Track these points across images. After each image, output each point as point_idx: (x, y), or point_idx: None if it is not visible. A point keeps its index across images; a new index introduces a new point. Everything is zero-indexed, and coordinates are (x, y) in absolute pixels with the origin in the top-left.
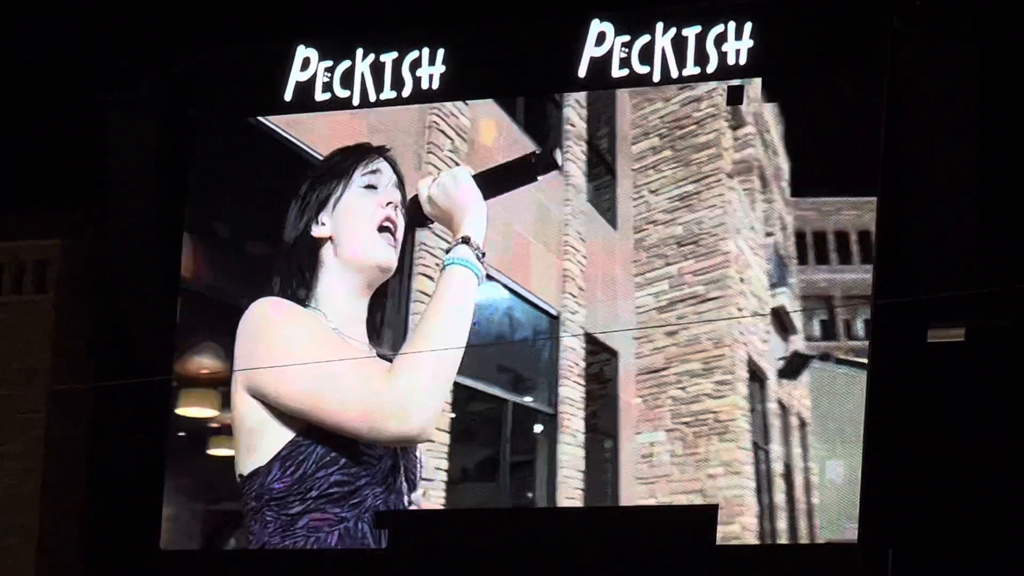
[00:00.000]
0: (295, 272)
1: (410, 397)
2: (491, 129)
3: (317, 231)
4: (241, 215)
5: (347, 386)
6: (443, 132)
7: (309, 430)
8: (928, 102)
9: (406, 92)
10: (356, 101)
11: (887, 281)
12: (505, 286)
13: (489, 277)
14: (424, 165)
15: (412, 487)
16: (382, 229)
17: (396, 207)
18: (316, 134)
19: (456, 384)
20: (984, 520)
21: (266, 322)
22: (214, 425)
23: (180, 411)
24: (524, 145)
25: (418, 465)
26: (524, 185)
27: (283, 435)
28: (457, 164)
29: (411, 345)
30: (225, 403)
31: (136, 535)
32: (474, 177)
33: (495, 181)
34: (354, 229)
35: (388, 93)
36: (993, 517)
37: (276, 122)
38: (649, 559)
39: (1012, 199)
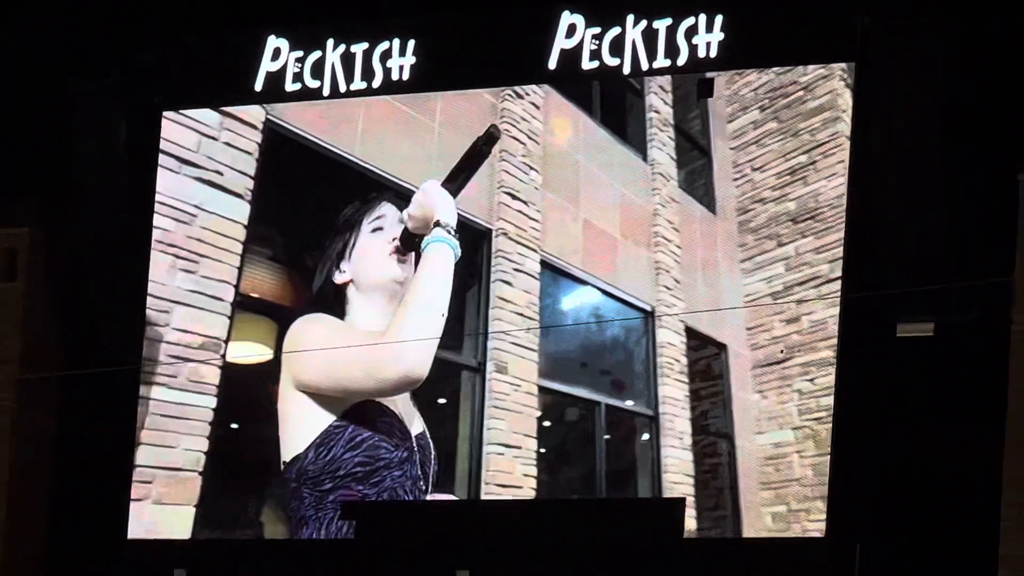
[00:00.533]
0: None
1: (399, 346)
2: (565, 128)
3: (339, 278)
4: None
5: (354, 357)
6: (515, 139)
7: (338, 421)
8: (896, 96)
9: (376, 83)
10: (326, 91)
11: (856, 275)
12: (593, 285)
13: (575, 278)
14: (498, 174)
15: (427, 482)
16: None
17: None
18: (394, 163)
19: (541, 388)
20: (952, 513)
21: (299, 332)
22: None
23: None
24: (601, 138)
25: (432, 463)
26: (481, 163)
27: (318, 426)
28: (532, 169)
29: (400, 308)
30: None
31: (102, 524)
32: (442, 184)
33: (457, 175)
34: (368, 268)
35: (359, 84)
36: (960, 510)
37: (347, 150)
38: (617, 551)
39: (980, 195)
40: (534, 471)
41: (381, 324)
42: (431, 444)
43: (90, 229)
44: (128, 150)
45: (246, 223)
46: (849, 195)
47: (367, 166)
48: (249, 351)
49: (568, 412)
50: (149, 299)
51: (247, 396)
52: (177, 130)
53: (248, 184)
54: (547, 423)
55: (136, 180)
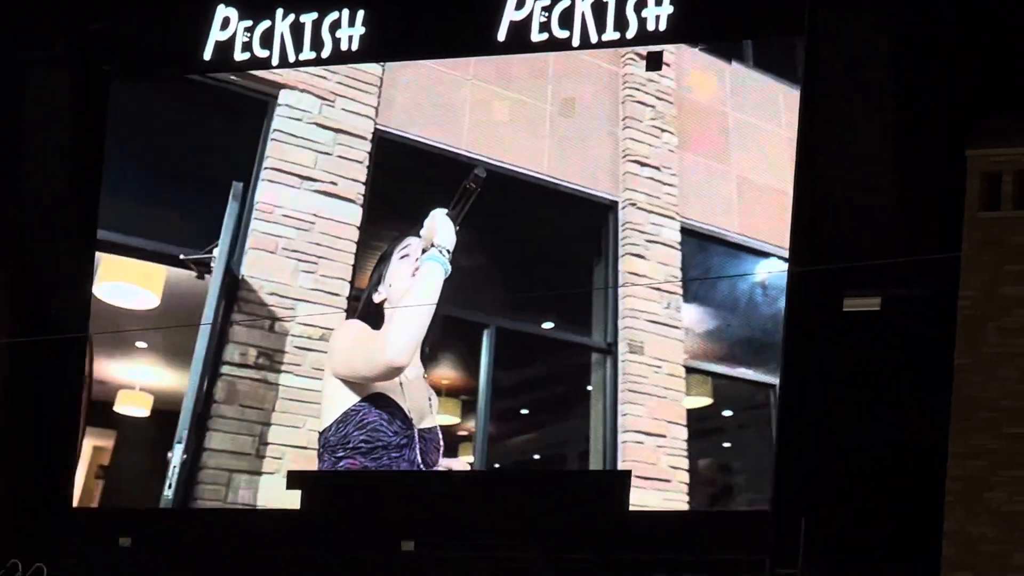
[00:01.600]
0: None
1: (385, 338)
2: (708, 82)
3: (376, 298)
4: None
5: (361, 350)
6: (641, 103)
7: (355, 405)
8: (845, 71)
9: (325, 53)
10: (275, 61)
11: (803, 249)
12: (754, 251)
13: (731, 244)
14: (622, 143)
15: (428, 461)
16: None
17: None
18: (507, 151)
19: (690, 370)
20: (897, 488)
21: (337, 332)
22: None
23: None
24: (756, 83)
25: (438, 454)
26: (472, 198)
27: (341, 407)
28: (665, 131)
29: (394, 312)
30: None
31: (49, 493)
32: (447, 212)
33: (455, 206)
34: (395, 287)
35: (307, 54)
36: (906, 485)
37: (454, 145)
38: (563, 524)
39: (928, 170)
40: (684, 462)
41: None
42: (440, 439)
43: (39, 197)
44: (77, 119)
45: (359, 225)
46: (797, 170)
47: (478, 158)
48: None
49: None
50: (274, 298)
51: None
52: (294, 151)
53: (360, 190)
54: (702, 408)
55: (85, 149)
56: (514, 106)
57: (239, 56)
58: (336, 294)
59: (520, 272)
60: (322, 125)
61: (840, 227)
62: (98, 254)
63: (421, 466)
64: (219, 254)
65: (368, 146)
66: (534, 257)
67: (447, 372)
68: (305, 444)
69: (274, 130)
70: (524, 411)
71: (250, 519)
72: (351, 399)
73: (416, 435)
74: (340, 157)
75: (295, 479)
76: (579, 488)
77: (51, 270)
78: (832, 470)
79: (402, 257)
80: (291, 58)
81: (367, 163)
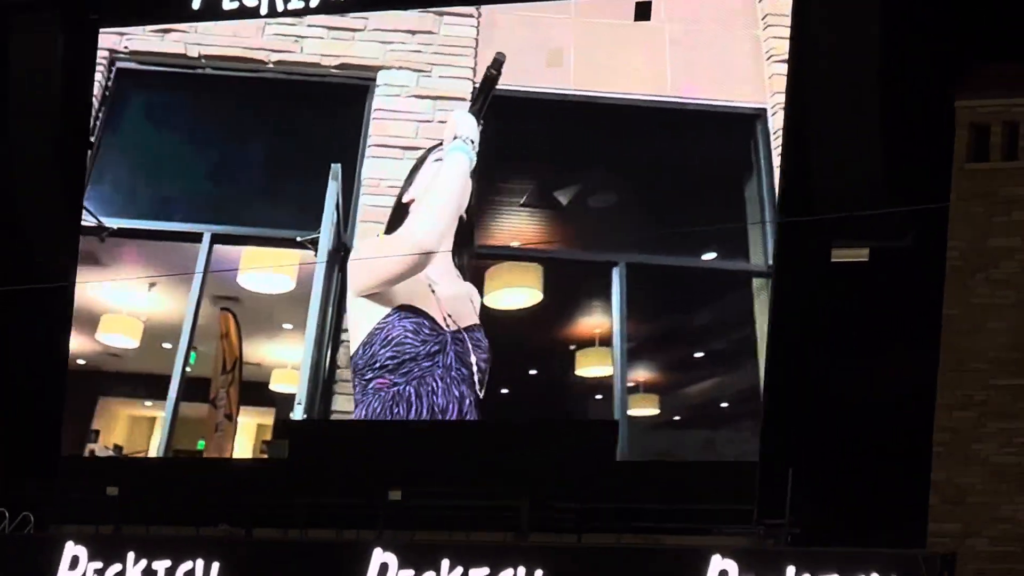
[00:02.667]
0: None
1: (412, 223)
2: None
3: (406, 198)
4: None
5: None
6: None
7: (378, 323)
8: (834, 21)
9: (314, 2)
10: (264, 11)
11: (792, 200)
12: None
13: None
14: (765, 43)
15: (470, 370)
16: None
17: None
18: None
19: None
20: (885, 438)
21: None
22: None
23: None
24: None
25: (479, 352)
26: (494, 86)
27: (366, 328)
28: None
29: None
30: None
31: (36, 440)
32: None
33: (477, 98)
34: (422, 183)
35: (296, 3)
36: (894, 435)
37: (562, 87)
38: (552, 472)
39: (916, 121)
40: None
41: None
42: (482, 338)
43: (25, 146)
44: (65, 68)
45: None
46: (786, 120)
47: (589, 94)
48: (512, 296)
49: None
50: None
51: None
52: (396, 125)
53: None
54: None
55: (73, 98)
56: (625, 32)
57: (228, 5)
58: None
59: (663, 205)
60: (420, 96)
61: (829, 178)
62: (242, 248)
63: (460, 369)
64: (322, 231)
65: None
66: (678, 187)
67: (600, 320)
68: None
69: (375, 109)
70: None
71: (237, 468)
72: (375, 317)
73: (450, 339)
74: (440, 122)
75: (282, 428)
76: (567, 437)
77: (38, 219)
78: (819, 421)
79: (435, 160)
80: (280, 7)
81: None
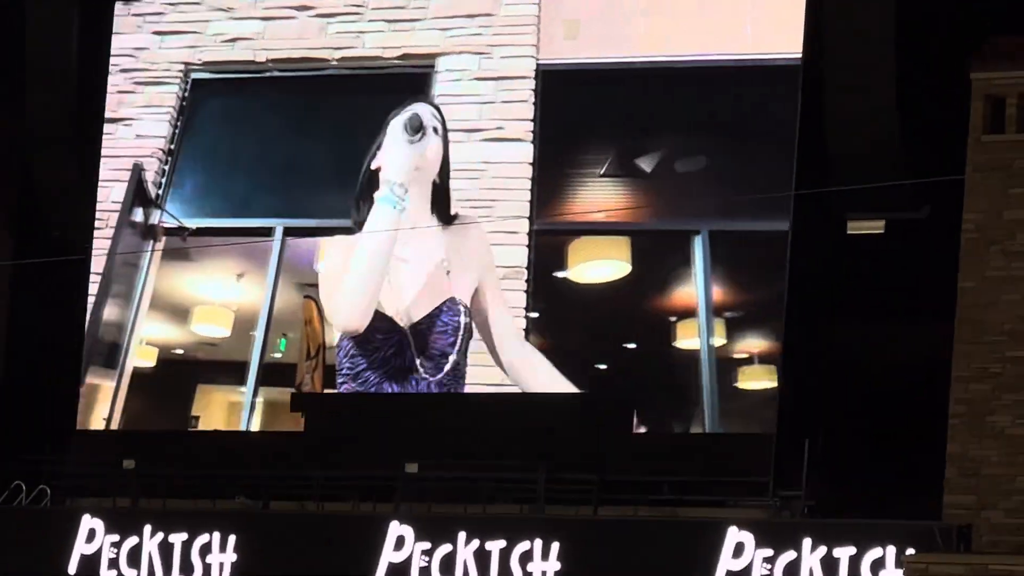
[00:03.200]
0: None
1: (335, 307)
2: None
3: (374, 165)
4: None
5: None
6: None
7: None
8: None
9: None
10: None
11: (807, 172)
12: None
13: None
14: None
15: (433, 351)
16: None
17: None
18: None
19: None
20: (901, 410)
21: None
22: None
23: None
24: None
25: (444, 332)
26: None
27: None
28: None
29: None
30: None
31: (52, 414)
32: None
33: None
34: (389, 162)
35: None
36: (910, 408)
37: (630, 56)
38: (569, 446)
39: (932, 93)
40: None
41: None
42: (451, 319)
43: (41, 118)
44: (81, 39)
45: (531, 161)
46: (802, 94)
47: (660, 59)
48: (597, 269)
49: None
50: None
51: None
52: (458, 109)
53: (528, 127)
54: None
55: (88, 70)
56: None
57: None
58: (514, 232)
59: (747, 167)
60: (481, 78)
61: (845, 150)
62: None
63: (418, 361)
64: None
65: (531, 84)
66: (763, 146)
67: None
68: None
69: (437, 96)
70: None
71: (253, 441)
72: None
73: (408, 335)
74: (504, 103)
75: (298, 401)
76: (584, 410)
77: (54, 193)
78: (835, 394)
79: (411, 141)
80: None
81: (533, 100)
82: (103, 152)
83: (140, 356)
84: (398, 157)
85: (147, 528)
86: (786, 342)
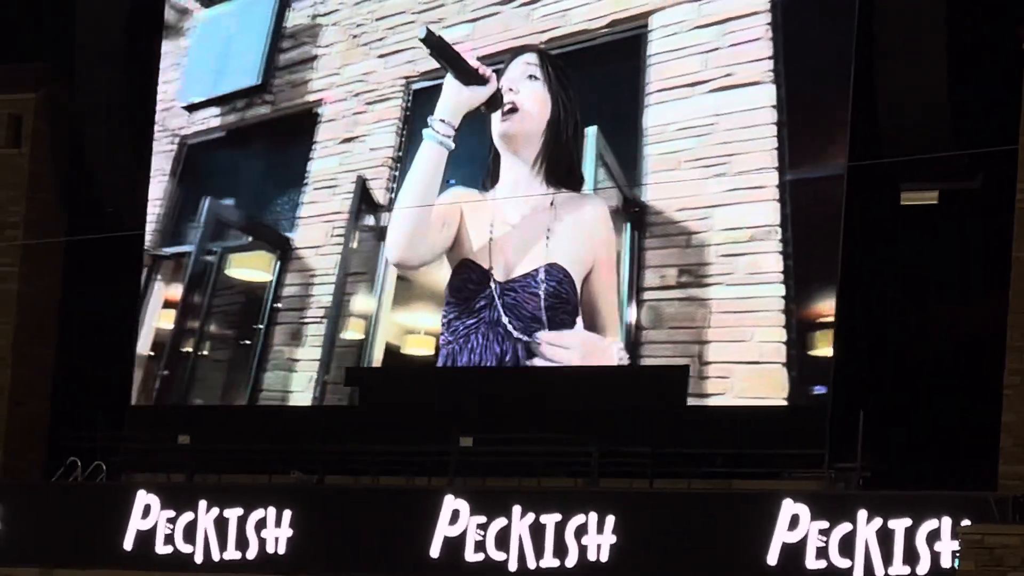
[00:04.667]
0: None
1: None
2: None
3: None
4: None
5: None
6: None
7: None
8: None
9: None
10: None
11: (861, 143)
12: None
13: None
14: None
15: (520, 314)
16: None
17: None
18: None
19: None
20: (955, 380)
21: None
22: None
23: None
24: None
25: (532, 296)
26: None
27: None
28: None
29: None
30: None
31: (106, 390)
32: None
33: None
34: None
35: None
36: (964, 378)
37: None
38: (622, 417)
39: (984, 62)
40: None
41: None
42: (540, 283)
43: (94, 94)
44: (131, 14)
45: (773, 104)
46: (855, 64)
47: None
48: None
49: None
50: (686, 212)
51: None
52: (679, 64)
53: (767, 67)
54: None
55: (140, 44)
56: None
57: None
58: (761, 187)
59: None
60: (703, 25)
61: (897, 121)
62: None
63: (507, 325)
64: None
65: (768, 17)
66: None
67: None
68: (756, 358)
69: (652, 55)
70: None
71: (309, 416)
72: None
73: (497, 292)
74: (732, 46)
75: (353, 376)
76: (636, 382)
77: (107, 169)
78: (890, 364)
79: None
80: None
81: (769, 35)
82: None
83: (418, 346)
84: (445, 92)
85: (202, 504)
86: (839, 312)
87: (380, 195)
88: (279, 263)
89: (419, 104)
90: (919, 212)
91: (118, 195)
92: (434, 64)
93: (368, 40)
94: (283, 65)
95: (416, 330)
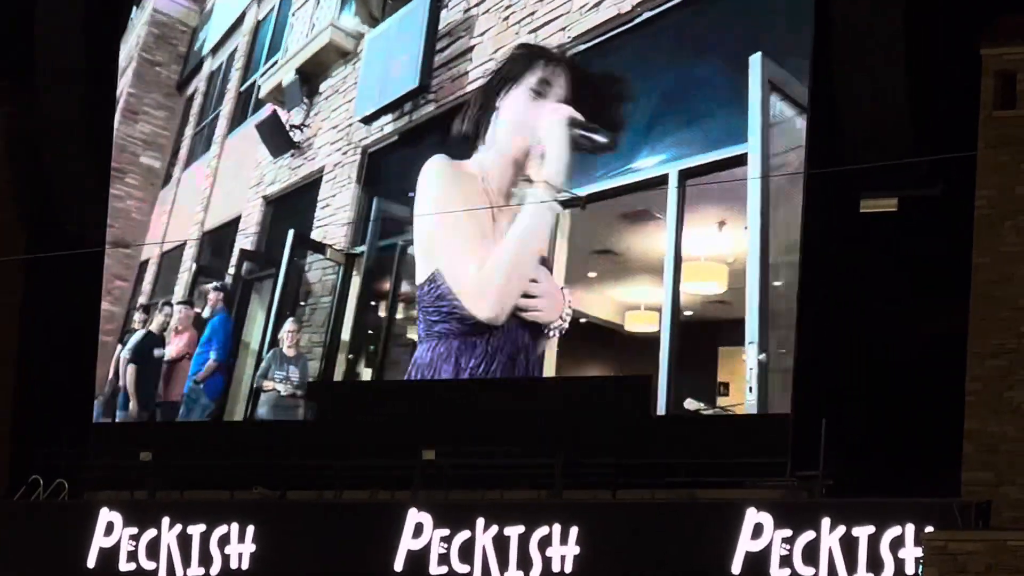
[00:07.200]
0: None
1: (476, 295)
2: None
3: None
4: None
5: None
6: None
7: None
8: None
9: None
10: None
11: (819, 151)
12: None
13: None
14: None
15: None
16: None
17: None
18: None
19: None
20: (917, 388)
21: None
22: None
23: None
24: None
25: None
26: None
27: (431, 265)
28: None
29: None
30: None
31: (68, 408)
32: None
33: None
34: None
35: None
36: (926, 385)
37: None
38: (585, 429)
39: (943, 69)
40: None
41: None
42: None
43: (54, 113)
44: (91, 34)
45: None
46: (812, 71)
47: None
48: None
49: None
50: None
51: None
52: None
53: None
54: None
55: (100, 64)
56: None
57: None
58: None
59: None
60: None
61: (856, 128)
62: None
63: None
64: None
65: None
66: None
67: None
68: None
69: None
70: None
71: (269, 430)
72: (444, 256)
73: None
74: None
75: (313, 390)
76: (601, 393)
77: (68, 188)
78: (852, 372)
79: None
80: None
81: None
82: None
83: (643, 321)
84: (556, 158)
85: (165, 520)
86: (801, 321)
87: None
88: None
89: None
90: (879, 219)
91: (79, 213)
92: (588, 25)
93: (519, 18)
94: (441, 63)
95: (636, 305)
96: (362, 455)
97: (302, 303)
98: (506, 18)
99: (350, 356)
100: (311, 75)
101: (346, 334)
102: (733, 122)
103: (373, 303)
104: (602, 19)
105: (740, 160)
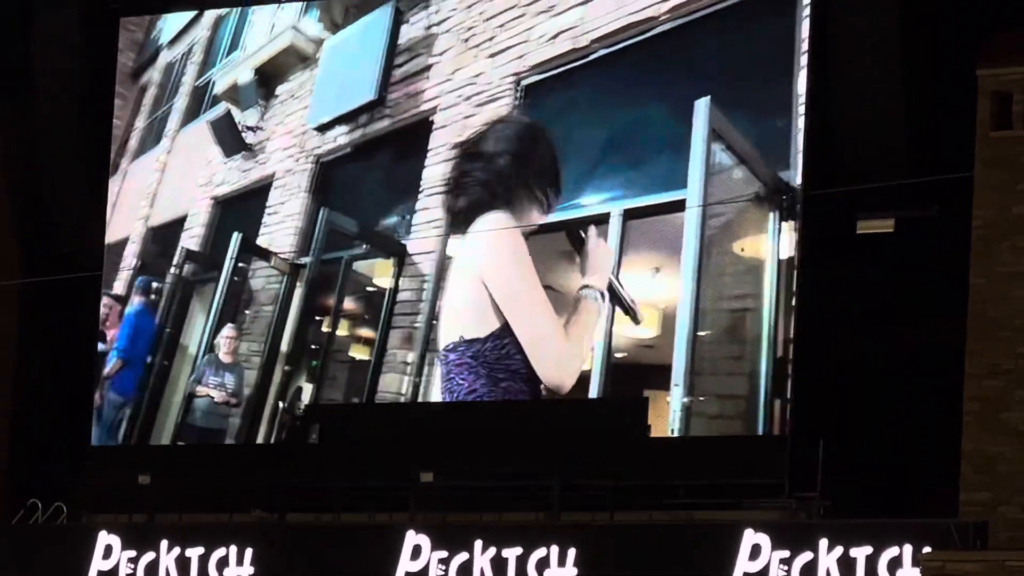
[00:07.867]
0: None
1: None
2: None
3: None
4: None
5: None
6: None
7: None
8: None
9: None
10: None
11: (817, 172)
12: None
13: None
14: None
15: None
16: None
17: None
18: None
19: None
20: (914, 409)
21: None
22: None
23: None
24: None
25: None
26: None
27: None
28: None
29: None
30: None
31: (66, 431)
32: None
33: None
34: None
35: None
36: (923, 406)
37: None
38: (582, 451)
39: (939, 90)
40: None
41: None
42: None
43: (50, 135)
44: (87, 56)
45: None
46: (809, 92)
47: None
48: None
49: None
50: None
51: None
52: None
53: None
54: None
55: (95, 85)
56: None
57: None
58: None
59: None
60: None
61: (852, 150)
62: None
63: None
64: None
65: None
66: None
67: None
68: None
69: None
70: None
71: (268, 453)
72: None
73: None
74: None
75: (312, 412)
76: (598, 415)
77: (64, 210)
78: (849, 393)
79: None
80: None
81: None
82: None
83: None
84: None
85: (164, 543)
86: (797, 342)
87: None
88: (396, 269)
89: (530, 99)
90: (876, 240)
91: (75, 236)
92: (544, 56)
93: (478, 41)
94: (399, 78)
95: None
96: (360, 477)
97: (245, 311)
98: (466, 39)
99: (287, 368)
100: (269, 76)
101: (285, 345)
102: (676, 167)
103: (317, 317)
104: (558, 52)
105: (679, 205)
